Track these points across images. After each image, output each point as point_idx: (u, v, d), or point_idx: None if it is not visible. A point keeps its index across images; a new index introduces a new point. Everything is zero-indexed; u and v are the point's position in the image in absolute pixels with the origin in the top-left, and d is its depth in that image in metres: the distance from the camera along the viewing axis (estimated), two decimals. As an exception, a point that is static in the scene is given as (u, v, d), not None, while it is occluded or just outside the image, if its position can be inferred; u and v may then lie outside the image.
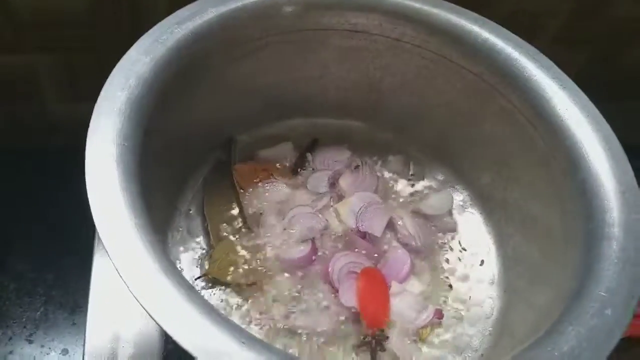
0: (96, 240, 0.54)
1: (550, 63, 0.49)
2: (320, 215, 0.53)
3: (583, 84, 0.47)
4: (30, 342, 0.63)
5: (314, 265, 0.51)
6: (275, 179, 0.56)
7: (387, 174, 0.59)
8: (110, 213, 0.33)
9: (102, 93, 0.38)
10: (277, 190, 0.55)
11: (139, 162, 0.37)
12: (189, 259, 0.51)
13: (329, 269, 0.50)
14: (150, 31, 0.43)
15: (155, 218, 0.36)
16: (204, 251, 0.51)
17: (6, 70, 0.65)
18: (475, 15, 0.51)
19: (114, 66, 0.40)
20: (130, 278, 0.30)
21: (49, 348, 0.63)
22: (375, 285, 0.50)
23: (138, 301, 0.30)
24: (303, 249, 0.50)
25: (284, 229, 0.52)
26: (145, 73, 0.40)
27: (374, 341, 0.47)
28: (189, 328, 0.30)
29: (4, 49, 0.62)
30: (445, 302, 0.51)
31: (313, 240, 0.51)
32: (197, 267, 0.51)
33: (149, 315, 0.30)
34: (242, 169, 0.56)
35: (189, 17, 0.44)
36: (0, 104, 0.70)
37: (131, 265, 0.31)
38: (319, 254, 0.51)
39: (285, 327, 0.47)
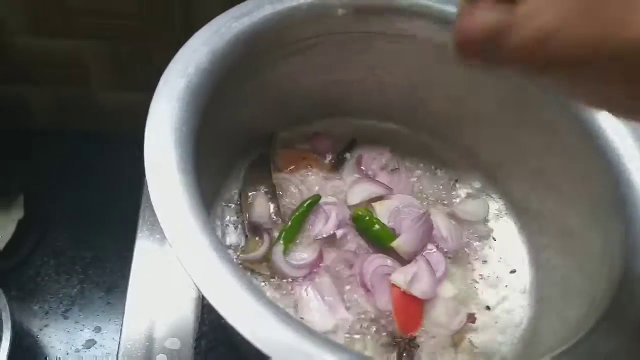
0: (140, 222, 0.56)
1: (596, 74, 0.49)
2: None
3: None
4: (66, 317, 0.65)
5: (345, 264, 0.52)
6: (312, 169, 0.58)
7: (422, 177, 0.60)
8: (167, 193, 0.34)
9: (163, 78, 0.40)
10: (313, 181, 0.57)
11: (194, 148, 0.39)
12: (227, 247, 0.52)
13: (363, 271, 0.51)
14: (210, 24, 0.44)
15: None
16: (241, 240, 0.53)
17: (55, 54, 0.68)
18: (522, 24, 0.51)
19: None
20: (184, 252, 0.32)
21: (83, 325, 0.65)
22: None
23: (189, 275, 0.31)
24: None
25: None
26: (204, 63, 0.42)
27: (403, 346, 0.48)
28: (234, 303, 0.31)
29: (54, 33, 0.65)
30: (476, 308, 0.52)
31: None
32: (234, 256, 0.52)
33: (196, 286, 0.31)
34: (284, 154, 0.58)
35: (246, 12, 0.46)
36: (49, 86, 0.73)
37: (185, 240, 0.32)
38: (352, 250, 0.52)
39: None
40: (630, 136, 0.45)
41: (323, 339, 0.32)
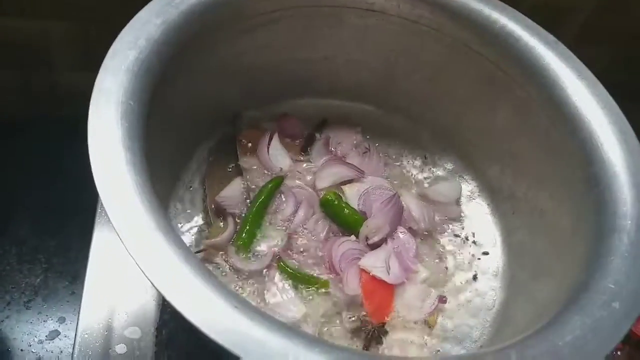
0: (98, 208, 0.53)
1: (569, 53, 0.47)
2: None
3: (605, 83, 0.46)
4: (28, 308, 0.62)
5: (314, 249, 0.50)
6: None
7: (394, 158, 0.58)
8: (110, 169, 0.32)
9: (111, 51, 0.37)
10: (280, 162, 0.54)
11: (143, 124, 0.36)
12: (189, 231, 0.50)
13: (332, 255, 0.49)
14: (164, -6, 0.42)
15: (159, 187, 0.35)
16: (203, 224, 0.51)
17: (19, 35, 0.65)
18: (496, 1, 0.50)
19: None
20: (127, 234, 0.30)
21: (47, 315, 0.62)
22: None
23: (132, 258, 0.29)
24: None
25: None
26: (156, 35, 0.39)
27: (371, 332, 0.46)
28: (183, 289, 0.29)
29: (17, 13, 0.62)
30: (447, 291, 0.50)
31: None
32: (195, 240, 0.50)
33: (140, 269, 0.29)
34: (249, 134, 0.55)
35: (203, -18, 0.43)
36: (11, 69, 0.70)
37: (129, 221, 0.30)
38: (321, 234, 0.51)
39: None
40: (603, 113, 0.44)
41: (292, 330, 0.30)
